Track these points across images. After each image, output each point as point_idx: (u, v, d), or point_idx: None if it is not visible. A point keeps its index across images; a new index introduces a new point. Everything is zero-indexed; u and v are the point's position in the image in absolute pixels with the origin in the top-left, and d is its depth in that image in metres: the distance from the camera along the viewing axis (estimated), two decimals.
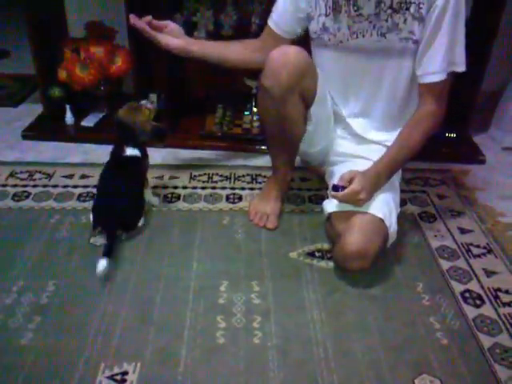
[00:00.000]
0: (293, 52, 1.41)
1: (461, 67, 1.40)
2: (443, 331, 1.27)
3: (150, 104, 1.63)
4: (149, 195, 1.66)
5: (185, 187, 1.83)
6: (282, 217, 1.67)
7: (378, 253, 1.37)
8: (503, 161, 2.11)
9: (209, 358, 1.18)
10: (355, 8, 1.39)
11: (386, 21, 1.38)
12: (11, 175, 1.86)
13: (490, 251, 1.56)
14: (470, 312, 1.33)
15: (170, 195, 1.77)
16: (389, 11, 1.37)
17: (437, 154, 2.05)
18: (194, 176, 1.90)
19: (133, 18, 1.51)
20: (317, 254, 1.51)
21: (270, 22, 1.55)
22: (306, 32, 1.53)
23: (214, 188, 1.83)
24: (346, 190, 1.33)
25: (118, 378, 1.12)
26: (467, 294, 1.39)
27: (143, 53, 2.10)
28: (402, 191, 1.58)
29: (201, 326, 1.26)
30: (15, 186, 1.80)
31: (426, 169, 1.98)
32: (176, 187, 1.82)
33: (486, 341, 1.24)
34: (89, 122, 2.20)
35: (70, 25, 2.34)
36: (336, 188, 1.36)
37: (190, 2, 2.18)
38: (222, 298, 1.34)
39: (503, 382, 1.14)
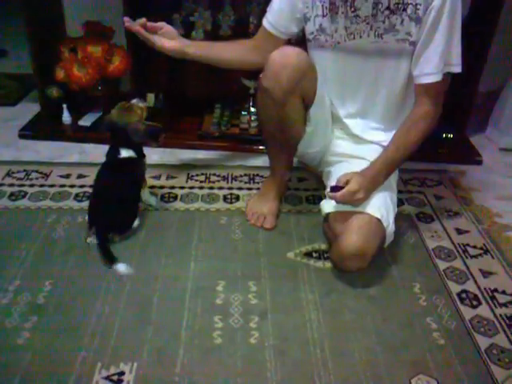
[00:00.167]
0: (293, 53, 1.40)
1: (457, 68, 1.41)
2: (440, 331, 1.27)
3: (141, 103, 1.59)
4: (147, 195, 1.66)
5: (182, 187, 1.82)
6: (279, 217, 1.67)
7: (375, 253, 1.37)
8: (500, 161, 2.11)
9: (206, 358, 1.18)
10: (352, 9, 1.40)
11: (383, 22, 1.38)
12: (8, 174, 1.86)
13: (486, 252, 1.56)
14: (467, 312, 1.33)
15: (167, 195, 1.77)
16: (386, 12, 1.37)
17: (434, 154, 2.06)
18: (192, 176, 1.90)
19: (127, 21, 1.51)
20: (314, 255, 1.51)
21: (265, 23, 1.55)
22: (303, 33, 1.54)
23: (211, 188, 1.83)
24: (343, 190, 1.33)
25: (115, 378, 1.12)
26: (464, 295, 1.39)
27: (141, 52, 2.10)
28: (398, 192, 1.58)
29: (198, 326, 1.26)
30: (12, 185, 1.79)
31: (422, 169, 1.98)
32: (173, 187, 1.82)
33: (483, 341, 1.25)
34: (86, 121, 2.20)
35: (67, 24, 2.35)
36: (333, 189, 1.36)
37: (188, 2, 2.18)
38: (219, 298, 1.34)
39: (500, 382, 1.14)
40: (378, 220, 1.37)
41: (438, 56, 1.36)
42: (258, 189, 1.78)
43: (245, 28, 2.10)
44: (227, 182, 1.87)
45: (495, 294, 1.40)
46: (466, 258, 1.53)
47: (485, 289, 1.41)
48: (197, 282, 1.40)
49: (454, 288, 1.41)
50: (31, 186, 1.79)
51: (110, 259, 1.41)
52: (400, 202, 1.66)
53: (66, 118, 2.18)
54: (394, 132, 1.46)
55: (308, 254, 1.51)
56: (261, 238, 1.57)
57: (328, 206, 1.45)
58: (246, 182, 1.87)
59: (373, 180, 1.39)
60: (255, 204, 1.68)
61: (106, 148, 1.58)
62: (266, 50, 1.50)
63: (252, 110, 2.20)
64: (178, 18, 2.13)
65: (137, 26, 1.50)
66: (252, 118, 2.17)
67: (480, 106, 2.21)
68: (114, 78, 2.15)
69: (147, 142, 1.59)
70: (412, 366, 1.18)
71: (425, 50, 1.37)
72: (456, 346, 1.24)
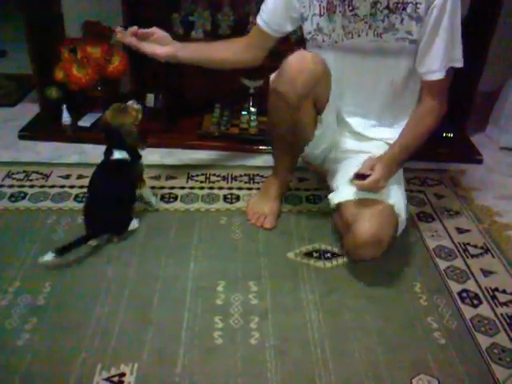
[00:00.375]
0: (310, 58, 1.39)
1: (459, 63, 1.42)
2: (441, 331, 1.27)
3: (136, 104, 1.58)
4: (148, 195, 1.66)
5: (182, 187, 1.82)
6: (279, 217, 1.67)
7: (390, 241, 1.36)
8: (500, 160, 2.11)
9: (206, 358, 1.18)
10: (350, 8, 1.39)
11: (383, 21, 1.38)
12: (8, 175, 1.85)
13: (487, 251, 1.56)
14: (468, 312, 1.33)
15: (167, 195, 1.77)
16: (385, 11, 1.37)
17: (434, 153, 2.06)
18: (192, 176, 1.89)
19: (119, 33, 1.52)
20: (314, 254, 1.51)
21: (259, 20, 1.54)
22: (301, 32, 1.53)
23: (211, 188, 1.83)
24: (370, 178, 1.34)
25: (116, 379, 1.12)
26: (464, 294, 1.39)
27: (140, 53, 2.10)
28: None
29: (198, 327, 1.26)
30: (12, 186, 1.79)
31: (423, 169, 1.98)
32: (173, 187, 1.82)
33: (484, 340, 1.24)
34: (86, 122, 2.20)
35: (67, 24, 2.34)
36: (359, 176, 1.36)
37: (187, 1, 2.18)
38: (220, 299, 1.34)
39: (501, 381, 1.14)
40: (392, 207, 1.37)
41: (441, 54, 1.38)
42: (258, 189, 1.78)
43: (244, 28, 2.09)
44: (227, 182, 1.86)
45: (496, 293, 1.40)
46: (467, 257, 1.53)
47: (485, 288, 1.41)
48: (197, 282, 1.39)
49: (455, 287, 1.41)
50: (31, 186, 1.79)
51: (60, 249, 1.38)
52: None
53: (66, 118, 2.18)
54: (396, 128, 1.48)
55: (308, 254, 1.51)
56: (261, 238, 1.57)
57: (338, 196, 1.44)
58: (245, 182, 1.87)
59: (390, 168, 1.40)
60: (256, 203, 1.67)
61: (105, 148, 1.58)
62: (258, 47, 1.52)
63: (252, 109, 2.20)
64: (177, 18, 2.13)
65: (128, 37, 1.51)
66: (252, 118, 2.16)
67: (480, 105, 2.21)
68: (113, 78, 2.15)
69: (138, 144, 1.57)
70: (413, 365, 1.18)
71: (428, 49, 1.38)
72: (457, 345, 1.23)
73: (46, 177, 1.86)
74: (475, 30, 1.93)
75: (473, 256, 1.53)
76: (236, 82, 2.17)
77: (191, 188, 1.82)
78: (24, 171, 1.88)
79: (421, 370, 1.17)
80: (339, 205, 1.44)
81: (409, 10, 1.35)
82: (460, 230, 1.65)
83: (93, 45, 2.09)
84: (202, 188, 1.82)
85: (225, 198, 1.77)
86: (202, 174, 1.91)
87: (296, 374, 1.15)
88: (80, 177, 1.85)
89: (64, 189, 1.78)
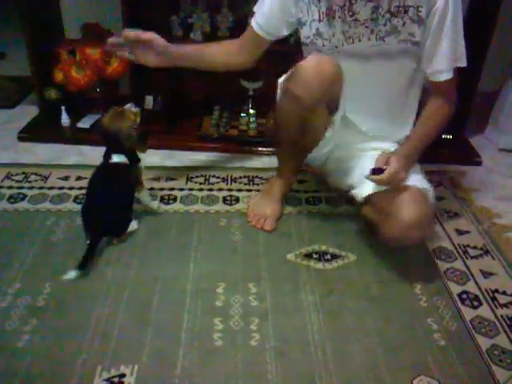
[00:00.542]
0: (326, 61, 1.39)
1: (463, 62, 1.43)
2: (441, 332, 1.27)
3: (134, 107, 1.56)
4: (146, 199, 1.64)
5: (181, 189, 1.82)
6: (280, 218, 1.66)
7: (431, 223, 1.43)
8: (499, 162, 2.12)
9: (206, 360, 1.18)
10: (350, 13, 1.39)
11: (384, 25, 1.38)
12: (7, 177, 1.85)
13: (486, 252, 1.56)
14: (468, 313, 1.33)
15: (166, 197, 1.76)
16: (387, 15, 1.37)
17: (433, 155, 2.05)
18: (191, 178, 1.89)
19: (112, 43, 1.55)
20: (314, 256, 1.51)
21: (254, 23, 1.54)
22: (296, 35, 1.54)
23: (210, 190, 1.82)
24: (387, 171, 1.34)
25: (116, 380, 1.12)
26: (464, 296, 1.39)
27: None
28: None
29: (198, 328, 1.25)
30: (11, 187, 1.79)
31: None
32: (173, 189, 1.82)
33: (484, 342, 1.24)
34: (85, 123, 2.19)
35: (66, 26, 2.34)
36: (375, 171, 1.36)
37: (186, 3, 2.18)
38: (220, 300, 1.34)
39: (501, 383, 1.14)
40: (424, 190, 1.40)
41: (447, 54, 1.39)
42: (258, 190, 1.78)
43: (243, 29, 2.08)
44: (227, 184, 1.86)
45: (496, 294, 1.40)
46: (467, 258, 1.53)
47: (485, 289, 1.41)
48: (197, 283, 1.39)
49: (455, 289, 1.41)
50: (30, 188, 1.79)
51: (82, 264, 1.39)
52: None
53: (65, 120, 2.18)
54: (400, 126, 1.55)
55: (308, 256, 1.51)
56: (261, 240, 1.57)
57: (366, 188, 1.44)
58: (245, 184, 1.87)
59: (408, 160, 1.41)
60: (257, 205, 1.67)
61: (104, 150, 1.57)
62: (251, 50, 1.52)
63: (251, 111, 2.20)
64: (176, 20, 2.13)
65: (119, 48, 1.54)
66: (251, 120, 2.16)
67: (479, 107, 2.21)
68: (112, 79, 2.15)
69: (138, 147, 1.57)
70: (413, 367, 1.18)
71: (434, 50, 1.39)
72: (457, 346, 1.23)
73: (45, 178, 1.85)
74: (474, 31, 1.93)
75: (472, 257, 1.53)
76: (235, 83, 2.17)
77: (191, 189, 1.82)
78: (23, 173, 1.88)
79: (421, 371, 1.17)
80: (368, 197, 1.44)
81: (410, 13, 1.35)
82: (460, 232, 1.65)
83: (92, 46, 2.08)
84: (201, 190, 1.82)
85: (224, 199, 1.77)
86: (202, 176, 1.91)
87: (296, 375, 1.15)
88: (79, 178, 1.85)
89: (63, 190, 1.78)
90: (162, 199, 1.75)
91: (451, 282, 1.44)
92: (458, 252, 1.55)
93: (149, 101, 2.20)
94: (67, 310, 1.29)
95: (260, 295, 1.36)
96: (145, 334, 1.23)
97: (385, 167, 1.36)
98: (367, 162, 1.44)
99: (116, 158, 1.51)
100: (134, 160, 1.55)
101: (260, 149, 2.08)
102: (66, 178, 1.85)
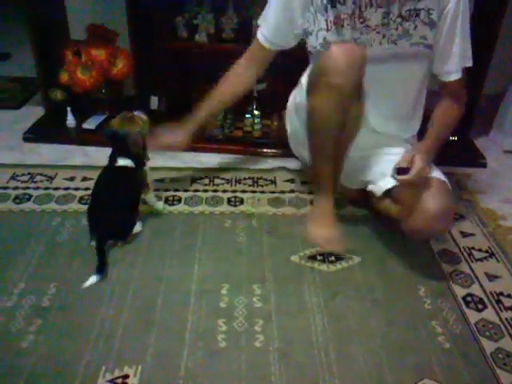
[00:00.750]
0: (354, 47, 1.38)
1: (469, 62, 1.45)
2: (445, 335, 1.27)
3: (143, 115, 1.58)
4: (153, 201, 1.65)
5: (186, 190, 1.82)
6: (283, 220, 1.66)
7: (453, 215, 1.50)
8: (505, 164, 2.11)
9: (210, 361, 1.18)
10: (361, 20, 1.39)
11: (396, 29, 1.39)
12: (12, 178, 1.86)
13: (491, 255, 1.55)
14: (472, 316, 1.33)
15: (171, 198, 1.77)
16: (398, 20, 1.37)
17: (438, 157, 2.04)
18: (196, 179, 1.90)
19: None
20: (318, 258, 1.51)
21: (260, 36, 1.54)
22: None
23: (215, 191, 1.83)
24: (413, 170, 1.36)
25: (119, 381, 1.12)
26: (469, 298, 1.38)
27: (144, 56, 2.11)
28: None
29: (202, 329, 1.26)
30: (16, 188, 1.79)
31: None
32: (177, 190, 1.82)
33: (489, 345, 1.24)
34: (90, 124, 2.20)
35: (71, 27, 2.35)
36: (402, 171, 1.38)
37: (191, 5, 2.19)
38: (224, 302, 1.34)
39: None
40: (445, 183, 1.44)
41: (457, 55, 1.41)
42: (262, 192, 1.78)
43: (247, 31, 2.10)
44: (231, 185, 1.86)
45: (501, 297, 1.39)
46: (471, 261, 1.52)
47: (490, 292, 1.41)
48: (201, 284, 1.39)
49: (459, 291, 1.41)
50: (36, 188, 1.79)
51: (99, 268, 1.40)
52: None
53: (70, 120, 2.18)
54: (412, 124, 1.61)
55: (312, 257, 1.51)
56: (265, 241, 1.57)
57: (386, 182, 1.46)
58: (249, 185, 1.87)
59: (429, 156, 1.44)
60: (317, 231, 1.58)
61: (109, 151, 1.58)
62: (258, 61, 1.56)
63: (255, 112, 2.20)
64: (181, 21, 2.14)
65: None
66: (255, 121, 2.17)
67: (484, 109, 2.20)
68: (117, 80, 2.16)
69: (143, 155, 1.58)
70: (417, 369, 1.18)
71: (446, 52, 1.41)
72: (461, 349, 1.23)
73: (51, 179, 1.86)
74: (479, 34, 1.92)
75: (477, 260, 1.53)
76: None
77: (195, 191, 1.82)
78: (29, 173, 1.89)
79: (425, 374, 1.17)
80: (388, 191, 1.46)
81: (422, 16, 1.36)
82: (464, 234, 1.64)
83: (97, 47, 2.09)
84: (205, 191, 1.82)
85: (229, 200, 1.77)
86: (206, 177, 1.91)
87: (300, 377, 1.15)
88: (84, 179, 1.86)
89: (68, 191, 1.79)
90: (166, 200, 1.75)
91: (456, 284, 1.43)
92: (462, 254, 1.55)
93: (154, 101, 2.20)
94: (72, 310, 1.30)
95: (264, 296, 1.36)
96: (149, 334, 1.24)
97: (408, 166, 1.38)
98: (385, 161, 1.48)
99: (121, 162, 1.52)
100: (140, 163, 1.56)
101: (264, 150, 2.08)
102: (72, 179, 1.86)
